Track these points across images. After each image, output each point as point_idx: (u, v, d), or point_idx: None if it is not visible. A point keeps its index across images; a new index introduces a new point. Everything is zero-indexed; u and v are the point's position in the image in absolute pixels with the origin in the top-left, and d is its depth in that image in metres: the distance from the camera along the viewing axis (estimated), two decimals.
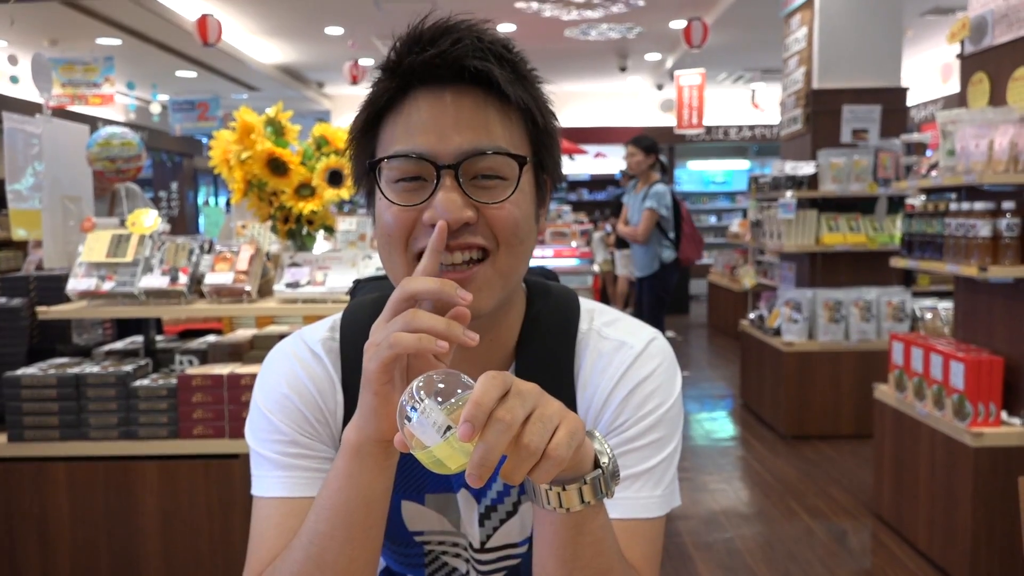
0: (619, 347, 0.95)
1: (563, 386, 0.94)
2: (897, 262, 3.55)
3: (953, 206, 3.11)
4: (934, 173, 3.30)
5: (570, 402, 0.94)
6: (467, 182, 0.83)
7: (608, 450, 0.76)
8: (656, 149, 5.81)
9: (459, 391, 0.68)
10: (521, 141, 0.87)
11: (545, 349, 0.94)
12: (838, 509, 3.90)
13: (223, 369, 2.56)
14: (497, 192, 0.84)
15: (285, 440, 0.92)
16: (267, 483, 0.92)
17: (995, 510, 2.92)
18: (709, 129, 12.52)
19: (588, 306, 0.99)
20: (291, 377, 0.94)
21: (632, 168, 5.88)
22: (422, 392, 0.68)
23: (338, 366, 0.95)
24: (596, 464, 0.74)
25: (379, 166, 0.86)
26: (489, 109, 0.84)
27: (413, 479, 0.96)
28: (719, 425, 5.54)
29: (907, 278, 5.38)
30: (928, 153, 4.23)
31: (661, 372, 0.94)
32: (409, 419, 0.67)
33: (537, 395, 0.69)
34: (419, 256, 0.83)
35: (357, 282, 1.13)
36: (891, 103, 5.09)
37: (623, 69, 11.17)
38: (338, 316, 0.99)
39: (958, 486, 3.03)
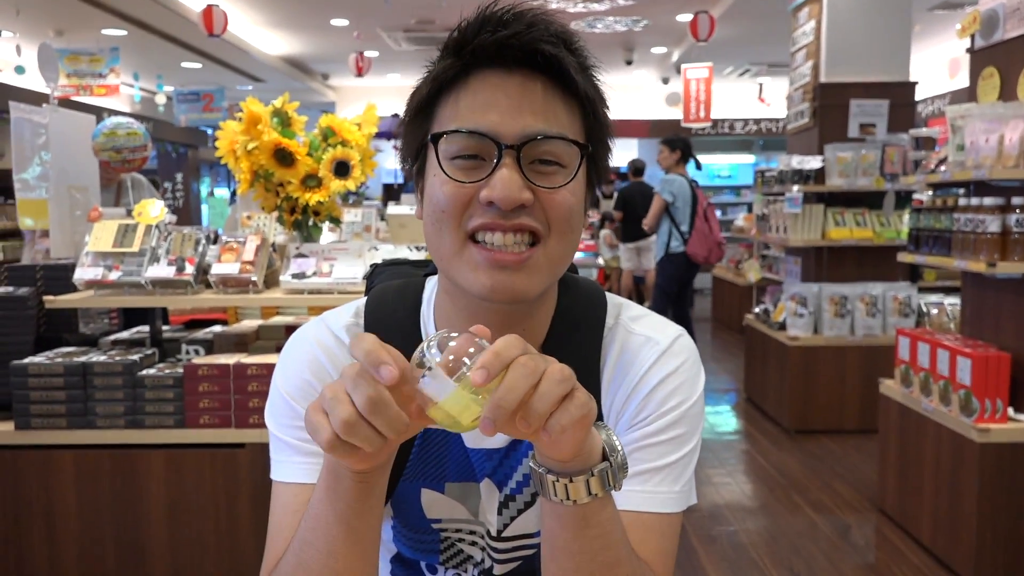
0: (645, 342, 0.95)
1: (589, 380, 0.93)
2: (905, 257, 3.54)
3: (962, 201, 3.10)
4: (943, 168, 3.28)
5: (595, 395, 0.92)
6: (526, 165, 0.83)
7: (617, 443, 0.75)
8: (679, 145, 6.29)
9: (471, 350, 0.67)
10: (580, 132, 0.87)
11: (573, 343, 0.94)
12: (842, 503, 3.90)
13: (229, 359, 2.56)
14: (555, 178, 0.84)
15: (299, 423, 0.90)
16: (286, 468, 0.91)
17: (1000, 506, 2.92)
18: (715, 123, 12.49)
19: (614, 301, 1.00)
20: (313, 363, 0.93)
21: (661, 163, 6.50)
22: (434, 348, 0.66)
23: None
24: (604, 457, 0.74)
25: (439, 140, 0.84)
26: (555, 96, 0.84)
27: (434, 468, 0.95)
28: (723, 419, 5.54)
29: (913, 273, 5.37)
30: (937, 148, 4.21)
31: (685, 369, 0.94)
32: (423, 376, 0.66)
33: (553, 360, 0.68)
34: (471, 234, 0.83)
35: (375, 266, 1.12)
36: (899, 98, 5.07)
37: (629, 63, 11.13)
38: (362, 301, 0.99)
39: (964, 482, 3.02)
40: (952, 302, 4.68)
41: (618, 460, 0.74)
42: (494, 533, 0.97)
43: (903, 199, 5.03)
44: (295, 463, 0.91)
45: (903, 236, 4.84)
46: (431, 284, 0.98)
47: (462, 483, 0.96)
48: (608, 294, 1.01)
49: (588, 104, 0.86)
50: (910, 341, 3.45)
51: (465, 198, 0.83)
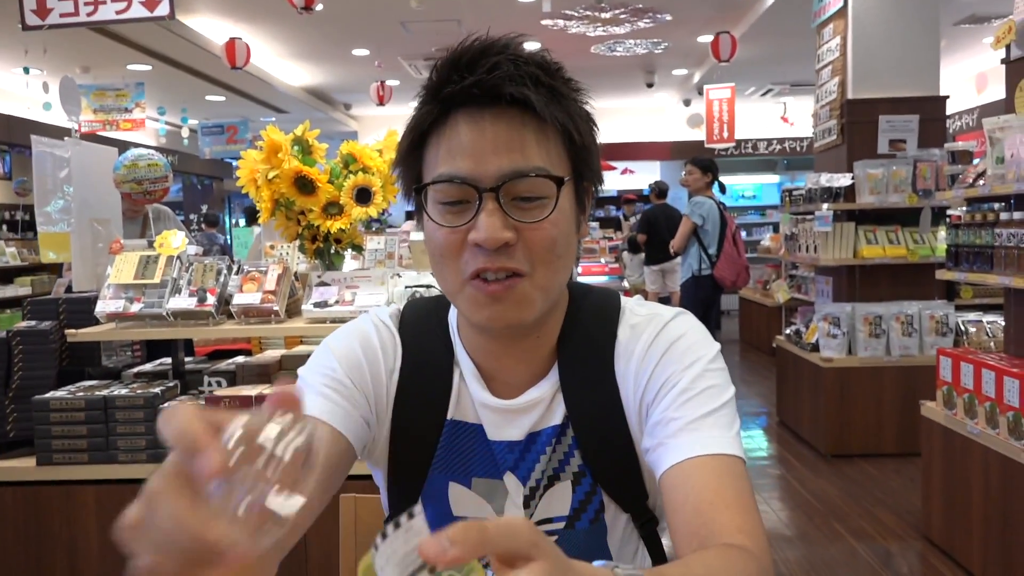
0: (650, 318, 0.99)
1: (603, 370, 0.96)
2: (944, 274, 3.43)
3: (1004, 215, 2.99)
4: (981, 182, 3.18)
5: (611, 386, 0.96)
6: (507, 202, 0.86)
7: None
8: (711, 168, 6.15)
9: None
10: (559, 159, 0.89)
11: (585, 339, 0.97)
12: (884, 531, 3.75)
13: (251, 390, 2.51)
14: (537, 212, 0.87)
15: (333, 377, 0.96)
16: None
17: None
18: (738, 143, 12.40)
19: (626, 299, 1.04)
20: (363, 335, 1.00)
21: (689, 185, 6.32)
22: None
23: (399, 339, 1.02)
24: None
25: (423, 191, 0.89)
26: (526, 131, 0.87)
27: (461, 460, 0.98)
28: (755, 443, 5.41)
29: (949, 291, 5.23)
30: (975, 162, 4.11)
31: (692, 333, 0.97)
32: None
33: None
34: (473, 276, 0.87)
35: (409, 300, 1.16)
36: (929, 112, 4.97)
37: (650, 85, 11.11)
38: (401, 304, 1.08)
39: (1015, 507, 2.89)
40: (991, 320, 4.54)
41: None
42: None
43: (936, 215, 4.92)
44: (310, 402, 0.92)
45: (938, 253, 4.72)
46: None
47: (488, 479, 0.98)
48: (622, 296, 1.04)
49: (564, 131, 0.88)
50: (952, 361, 3.33)
51: (457, 242, 0.88)
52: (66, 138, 3.21)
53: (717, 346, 0.97)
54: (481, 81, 0.85)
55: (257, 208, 2.67)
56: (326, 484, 0.88)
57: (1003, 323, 3.71)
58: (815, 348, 4.97)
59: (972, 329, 4.58)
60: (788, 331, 5.60)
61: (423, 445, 0.99)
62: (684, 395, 0.91)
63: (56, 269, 4.81)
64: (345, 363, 0.97)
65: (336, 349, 0.99)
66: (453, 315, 1.03)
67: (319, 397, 0.94)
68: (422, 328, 1.02)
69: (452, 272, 0.90)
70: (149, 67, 8.67)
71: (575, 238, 0.93)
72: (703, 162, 6.25)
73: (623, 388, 0.96)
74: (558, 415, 0.96)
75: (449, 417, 0.99)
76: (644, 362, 0.95)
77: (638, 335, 0.97)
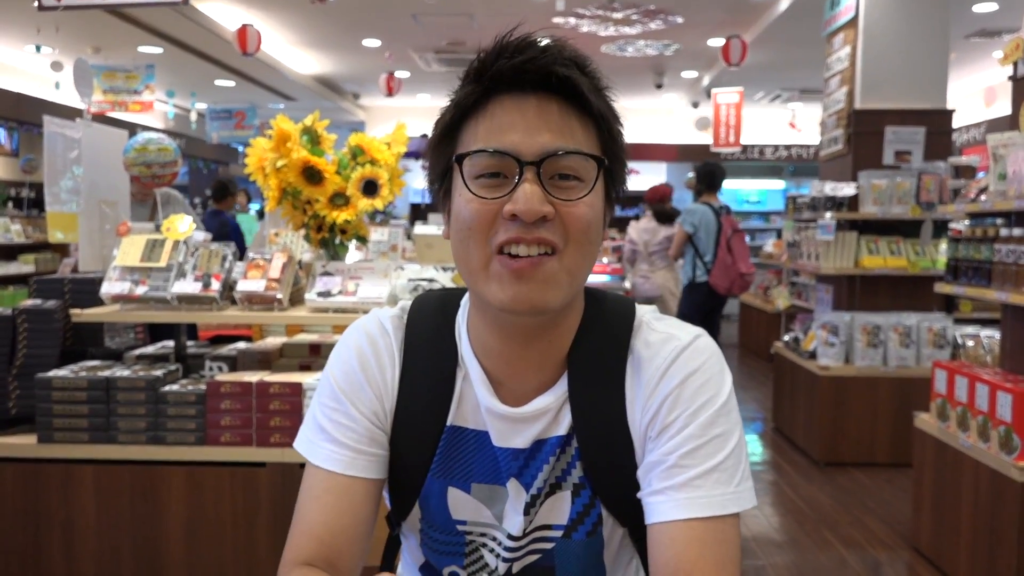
0: (667, 339, 0.96)
1: (613, 391, 0.95)
2: (942, 288, 3.45)
3: (1004, 231, 3.01)
4: (983, 197, 3.20)
5: (619, 404, 0.95)
6: (546, 180, 0.87)
7: None
8: (704, 179, 6.21)
9: None
10: (596, 148, 0.91)
11: (597, 353, 0.96)
12: (874, 540, 3.78)
13: (252, 377, 2.54)
14: (574, 191, 0.88)
15: (341, 412, 0.97)
16: (317, 451, 0.97)
17: None
18: (745, 148, 12.41)
19: (642, 309, 1.03)
20: (360, 354, 1.00)
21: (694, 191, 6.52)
22: None
23: (401, 344, 1.01)
24: None
25: (463, 161, 0.89)
26: (571, 115, 0.89)
27: (461, 466, 0.98)
28: (750, 448, 5.43)
29: (949, 304, 5.24)
30: (977, 176, 4.12)
31: (710, 366, 0.94)
32: None
33: None
34: (499, 248, 0.87)
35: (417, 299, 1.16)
36: (936, 125, 4.98)
37: (659, 86, 11.11)
38: (408, 302, 1.06)
39: (1003, 521, 2.91)
40: (988, 334, 4.55)
41: None
42: (517, 533, 0.98)
43: (938, 228, 4.93)
44: (327, 450, 0.96)
45: (939, 266, 4.74)
46: (468, 296, 1.03)
47: (489, 485, 0.98)
48: (638, 305, 1.03)
49: (603, 122, 0.91)
50: (947, 374, 3.35)
51: (490, 214, 0.87)
52: (78, 119, 3.23)
53: (729, 380, 0.95)
54: (533, 59, 0.86)
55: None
56: (371, 529, 0.96)
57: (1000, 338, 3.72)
58: (812, 356, 5.00)
59: (970, 343, 4.59)
60: (787, 338, 5.62)
61: (421, 451, 0.98)
62: (692, 441, 0.90)
63: (61, 248, 4.84)
64: (350, 393, 0.98)
65: (338, 380, 0.99)
66: (462, 315, 1.01)
67: (332, 447, 0.96)
68: (428, 332, 1.01)
69: (479, 247, 0.88)
70: (160, 50, 8.69)
71: (602, 232, 0.93)
72: (698, 170, 6.37)
73: (631, 408, 0.95)
74: (564, 425, 0.96)
75: (449, 423, 0.98)
76: (656, 391, 0.93)
77: (652, 356, 0.95)
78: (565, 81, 0.87)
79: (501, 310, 0.89)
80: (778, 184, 14.21)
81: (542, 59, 0.87)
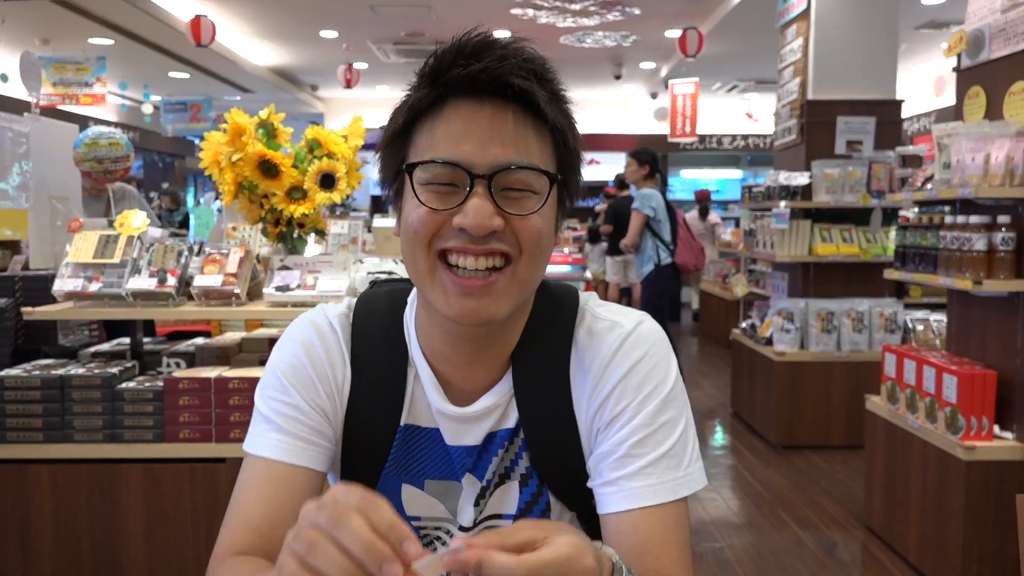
0: (610, 327, 0.97)
1: (559, 380, 0.96)
2: (891, 274, 3.54)
3: (948, 219, 3.11)
4: (929, 186, 3.29)
5: (566, 393, 0.96)
6: (497, 192, 0.86)
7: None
8: (649, 160, 6.07)
9: None
10: (550, 160, 0.90)
11: (542, 347, 0.97)
12: (828, 520, 3.88)
13: (210, 372, 2.52)
14: (525, 204, 0.87)
15: (288, 403, 0.95)
16: (259, 441, 0.95)
17: (987, 524, 2.91)
18: (703, 138, 12.55)
19: (584, 295, 1.03)
20: (307, 344, 0.98)
21: (628, 178, 6.34)
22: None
23: (349, 343, 1.00)
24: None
25: (414, 170, 0.88)
26: (526, 126, 0.87)
27: (415, 463, 0.98)
28: (710, 434, 5.53)
29: (899, 290, 5.38)
30: (924, 165, 4.23)
31: (654, 352, 0.95)
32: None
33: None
34: (441, 255, 0.87)
35: (374, 283, 1.14)
36: (886, 115, 5.10)
37: (618, 77, 11.19)
38: (355, 299, 1.04)
39: (950, 500, 3.01)
40: (938, 318, 4.69)
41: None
42: (467, 524, 0.99)
43: (889, 216, 5.06)
44: (271, 439, 0.94)
45: (889, 252, 4.86)
46: (415, 293, 1.02)
47: (444, 481, 0.98)
48: (581, 292, 1.02)
49: (558, 134, 0.90)
50: (896, 358, 3.44)
51: (438, 224, 0.86)
52: (26, 113, 3.16)
53: (675, 364, 0.96)
54: (489, 68, 0.84)
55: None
56: None
57: None
58: (769, 342, 5.10)
59: (920, 327, 4.73)
60: (744, 325, 5.73)
61: (375, 451, 0.98)
62: (642, 431, 0.91)
63: (12, 245, 4.74)
64: (297, 383, 0.96)
65: (285, 372, 0.97)
66: (410, 314, 1.01)
67: (279, 436, 0.94)
68: (375, 331, 1.00)
69: (424, 253, 0.88)
70: (111, 41, 8.52)
71: (554, 241, 0.93)
72: (639, 154, 6.20)
73: (577, 398, 0.96)
74: (512, 419, 0.97)
75: (403, 423, 0.98)
76: (602, 381, 0.94)
77: (597, 345, 0.95)
78: (522, 92, 0.85)
79: (448, 320, 0.89)
80: (736, 173, 14.41)
81: (498, 68, 0.84)
